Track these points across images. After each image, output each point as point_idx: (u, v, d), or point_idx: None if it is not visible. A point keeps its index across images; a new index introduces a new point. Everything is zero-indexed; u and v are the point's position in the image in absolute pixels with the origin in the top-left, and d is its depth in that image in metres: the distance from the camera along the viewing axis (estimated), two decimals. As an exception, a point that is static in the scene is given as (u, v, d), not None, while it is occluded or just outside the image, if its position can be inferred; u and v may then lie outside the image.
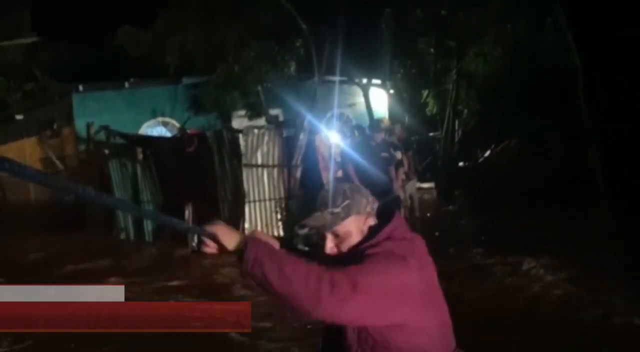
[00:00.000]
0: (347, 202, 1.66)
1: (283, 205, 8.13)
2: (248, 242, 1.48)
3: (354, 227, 1.67)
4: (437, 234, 8.78)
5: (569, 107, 9.63)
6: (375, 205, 1.72)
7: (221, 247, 1.50)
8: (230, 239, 1.49)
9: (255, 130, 8.21)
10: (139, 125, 13.05)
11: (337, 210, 1.65)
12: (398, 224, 1.68)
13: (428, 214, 10.89)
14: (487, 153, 12.14)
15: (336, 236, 1.66)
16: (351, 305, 1.45)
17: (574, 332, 4.14)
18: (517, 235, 7.80)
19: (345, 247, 1.66)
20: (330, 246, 1.67)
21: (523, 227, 8.33)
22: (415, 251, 1.65)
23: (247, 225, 7.87)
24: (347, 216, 1.66)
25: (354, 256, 1.60)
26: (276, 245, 1.58)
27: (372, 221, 1.70)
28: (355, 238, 1.66)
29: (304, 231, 1.68)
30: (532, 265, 6.02)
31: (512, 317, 4.62)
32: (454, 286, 5.66)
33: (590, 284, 5.23)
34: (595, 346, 3.84)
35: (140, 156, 9.32)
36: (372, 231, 1.68)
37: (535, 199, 9.27)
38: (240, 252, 1.47)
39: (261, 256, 1.45)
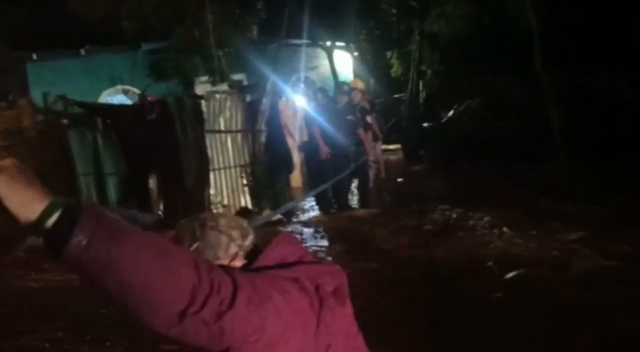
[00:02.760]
0: (195, 244, 1.20)
1: (249, 170, 8.09)
2: (80, 208, 0.88)
3: None
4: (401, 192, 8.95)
5: (531, 65, 9.75)
6: (249, 241, 1.24)
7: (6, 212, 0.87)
8: (25, 198, 0.86)
9: (217, 96, 8.08)
10: (98, 94, 12.73)
11: None
12: (284, 247, 1.20)
13: (394, 175, 11.05)
14: (451, 113, 12.26)
15: None
16: (229, 317, 0.97)
17: (535, 282, 4.28)
18: (480, 191, 7.98)
19: None
20: None
21: (486, 183, 8.53)
22: (319, 276, 1.17)
23: (212, 191, 7.82)
24: None
25: None
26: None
27: (238, 263, 1.21)
28: None
29: None
30: (494, 219, 6.18)
31: (478, 270, 4.74)
32: (421, 242, 5.79)
33: (547, 234, 5.41)
34: (555, 294, 3.98)
35: (101, 126, 9.10)
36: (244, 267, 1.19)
37: (497, 157, 9.46)
38: (48, 222, 0.86)
39: (103, 229, 0.88)
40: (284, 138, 8.35)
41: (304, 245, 1.32)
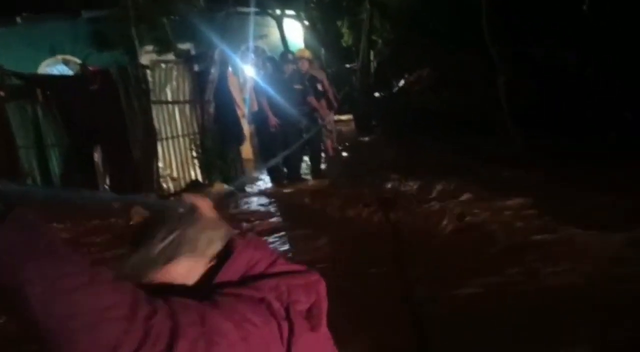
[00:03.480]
0: (174, 234, 1.03)
1: (198, 142, 7.93)
2: (4, 216, 0.77)
3: (177, 275, 1.02)
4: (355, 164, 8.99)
5: (481, 35, 9.83)
6: (222, 241, 1.09)
7: None
8: None
9: (163, 65, 7.84)
10: (38, 64, 12.16)
11: (154, 250, 1.02)
12: (251, 254, 1.06)
13: (347, 145, 11.07)
14: (402, 83, 12.32)
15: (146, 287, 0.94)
16: None
17: (482, 244, 4.38)
18: (431, 161, 8.09)
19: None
20: None
21: (437, 153, 8.65)
22: (292, 292, 1.01)
23: (160, 164, 7.64)
24: (169, 259, 1.02)
25: None
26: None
27: (208, 265, 1.06)
28: (174, 289, 0.99)
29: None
30: (445, 187, 6.28)
31: (436, 238, 4.80)
32: (376, 213, 5.82)
33: (501, 201, 5.54)
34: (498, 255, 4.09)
35: (41, 97, 8.71)
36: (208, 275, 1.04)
37: (447, 127, 9.59)
38: None
39: (21, 245, 0.76)
40: (233, 109, 8.21)
41: (272, 246, 1.19)
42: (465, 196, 5.81)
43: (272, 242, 5.19)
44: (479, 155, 7.91)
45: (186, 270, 1.02)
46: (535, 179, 6.10)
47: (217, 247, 1.07)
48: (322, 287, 1.08)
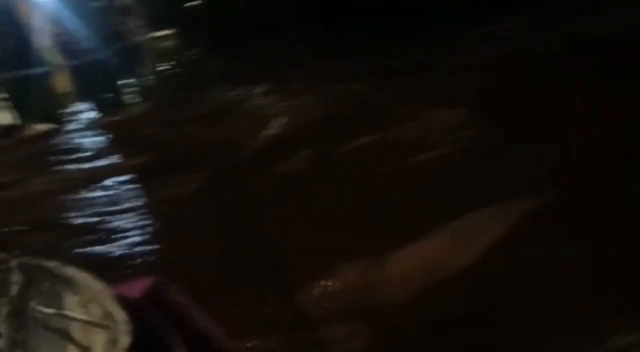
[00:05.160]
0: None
1: (-1, 81, 7.13)
2: None
3: None
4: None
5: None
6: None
7: None
8: None
9: None
10: None
11: None
12: None
13: (171, 61, 10.66)
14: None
15: None
16: None
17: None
18: (254, 66, 8.07)
19: None
20: None
21: (256, 59, 8.61)
22: None
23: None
24: None
25: None
26: None
27: None
28: None
29: None
30: (268, 89, 6.42)
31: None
32: (209, 127, 5.79)
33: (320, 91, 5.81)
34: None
35: None
36: None
37: (263, 31, 9.50)
38: None
39: None
40: (28, 40, 7.37)
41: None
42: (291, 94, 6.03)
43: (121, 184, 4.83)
44: (292, 53, 7.98)
45: None
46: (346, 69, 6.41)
47: None
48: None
